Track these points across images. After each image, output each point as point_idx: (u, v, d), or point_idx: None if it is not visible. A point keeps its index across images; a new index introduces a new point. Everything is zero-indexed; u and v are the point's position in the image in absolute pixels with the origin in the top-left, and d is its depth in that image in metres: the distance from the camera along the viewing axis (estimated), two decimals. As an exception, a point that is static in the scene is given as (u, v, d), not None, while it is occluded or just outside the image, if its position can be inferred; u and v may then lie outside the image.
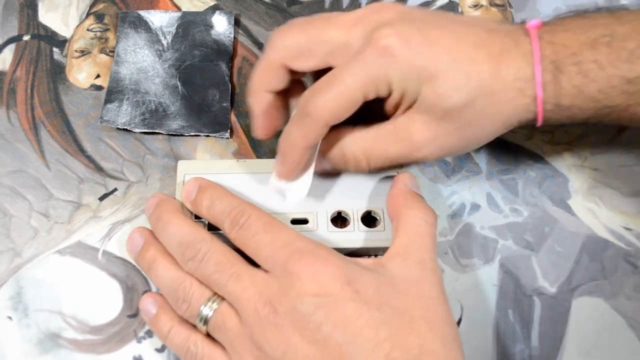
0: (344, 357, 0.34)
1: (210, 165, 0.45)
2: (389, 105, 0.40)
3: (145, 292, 0.43)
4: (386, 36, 0.38)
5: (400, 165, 0.44)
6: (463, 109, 0.38)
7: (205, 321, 0.38)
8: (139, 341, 0.42)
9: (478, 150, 0.49)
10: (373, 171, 0.43)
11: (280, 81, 0.41)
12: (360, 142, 0.41)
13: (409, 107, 0.39)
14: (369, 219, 0.44)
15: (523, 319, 0.43)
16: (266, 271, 0.37)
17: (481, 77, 0.38)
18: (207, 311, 0.38)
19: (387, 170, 0.44)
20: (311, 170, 0.42)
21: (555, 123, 0.41)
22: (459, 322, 0.43)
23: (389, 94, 0.39)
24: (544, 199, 0.47)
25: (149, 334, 0.42)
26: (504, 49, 0.39)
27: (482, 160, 0.49)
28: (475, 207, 0.47)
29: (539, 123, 0.40)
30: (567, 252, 0.45)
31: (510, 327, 0.43)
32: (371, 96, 0.39)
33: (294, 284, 0.35)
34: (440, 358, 0.34)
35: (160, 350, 0.42)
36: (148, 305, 0.40)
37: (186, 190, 0.42)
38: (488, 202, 0.47)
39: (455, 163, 0.48)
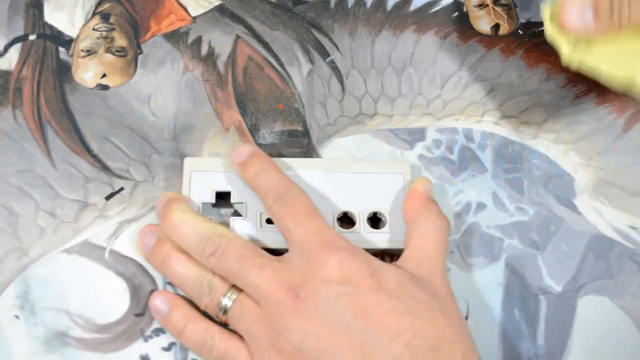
0: (365, 345, 0.34)
1: (217, 163, 0.45)
2: None
3: (152, 290, 0.43)
4: None
5: None
6: None
7: (225, 311, 0.39)
8: (145, 340, 0.42)
9: (483, 149, 0.49)
10: (633, 20, 0.41)
11: None
12: None
13: None
14: (374, 220, 0.44)
15: (529, 318, 0.43)
16: (286, 262, 0.38)
17: None
18: (226, 301, 0.39)
19: None
20: None
21: None
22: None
23: None
24: (550, 198, 0.47)
25: (156, 332, 0.42)
26: None
27: (487, 159, 0.49)
28: (481, 206, 0.47)
29: None
30: (573, 251, 0.45)
31: (516, 326, 0.43)
32: None
33: (318, 270, 0.36)
34: (459, 347, 0.35)
35: (167, 349, 0.42)
36: (159, 303, 0.41)
37: (238, 152, 0.44)
38: (494, 201, 0.47)
39: (461, 162, 0.48)
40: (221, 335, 0.39)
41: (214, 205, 0.45)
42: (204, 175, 0.45)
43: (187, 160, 0.45)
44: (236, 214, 0.44)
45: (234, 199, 0.44)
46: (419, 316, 0.35)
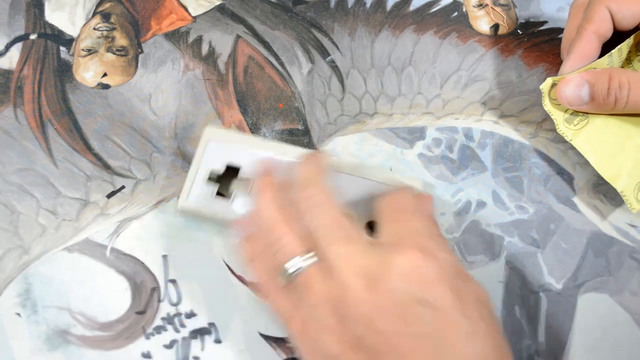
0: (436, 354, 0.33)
1: (235, 138, 0.46)
2: None
3: (153, 289, 0.43)
4: None
5: None
6: None
7: (289, 276, 0.36)
8: (147, 337, 0.42)
9: (483, 148, 0.49)
10: (629, 107, 0.44)
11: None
12: (630, 73, 0.43)
13: None
14: (372, 227, 0.44)
15: (529, 315, 0.43)
16: (375, 245, 0.36)
17: None
18: (298, 263, 0.36)
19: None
20: None
21: None
22: (465, 319, 0.43)
23: None
24: (550, 196, 0.47)
25: (157, 330, 0.42)
26: None
27: (487, 158, 0.49)
28: (481, 204, 0.47)
29: None
30: (573, 248, 0.45)
31: (517, 323, 0.43)
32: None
33: (405, 271, 0.34)
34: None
35: (169, 346, 0.42)
36: (244, 225, 0.40)
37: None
38: (494, 199, 0.47)
39: (461, 161, 0.49)
40: (280, 290, 0.37)
41: (219, 178, 0.45)
42: (219, 146, 0.45)
43: (207, 128, 0.46)
44: (220, 194, 0.45)
45: (242, 174, 0.45)
46: (485, 338, 0.34)
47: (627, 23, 0.45)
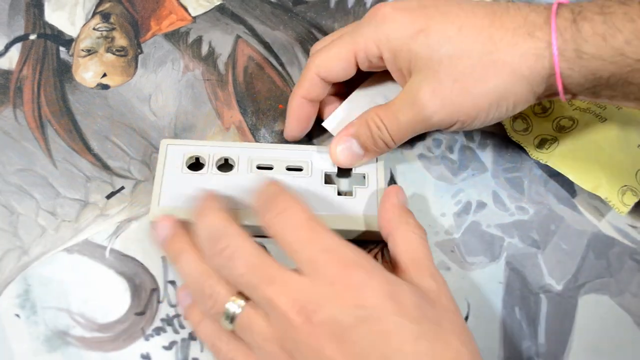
0: None
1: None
2: (395, 72, 0.42)
3: (152, 290, 0.43)
4: (383, 7, 0.41)
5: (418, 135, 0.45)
6: (458, 59, 0.38)
7: (232, 319, 0.36)
8: (146, 339, 0.42)
9: (483, 148, 0.49)
10: (395, 146, 0.44)
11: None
12: (380, 111, 0.42)
13: (410, 70, 0.41)
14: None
15: (529, 317, 0.43)
16: (300, 274, 0.35)
17: (477, 24, 0.38)
18: (233, 309, 0.36)
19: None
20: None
21: (576, 86, 0.38)
22: (465, 320, 0.43)
23: (381, 56, 0.41)
24: (550, 197, 0.47)
25: (157, 331, 0.42)
26: (510, 6, 0.39)
27: (487, 158, 0.49)
28: (482, 205, 0.47)
29: (557, 78, 0.37)
30: (573, 249, 0.45)
31: (517, 325, 0.43)
32: (361, 55, 0.42)
33: (335, 294, 0.34)
34: None
35: (168, 347, 0.42)
36: (185, 295, 0.40)
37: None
38: (494, 200, 0.47)
39: (461, 161, 0.48)
40: (229, 339, 0.37)
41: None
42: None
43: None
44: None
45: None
46: (435, 340, 0.34)
47: (345, 75, 0.44)
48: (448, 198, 0.47)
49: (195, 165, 0.46)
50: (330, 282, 0.34)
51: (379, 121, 0.43)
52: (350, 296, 0.34)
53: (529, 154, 0.47)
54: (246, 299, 0.36)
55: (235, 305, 0.36)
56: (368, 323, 0.33)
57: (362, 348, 0.33)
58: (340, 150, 0.44)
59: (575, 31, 0.36)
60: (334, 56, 0.43)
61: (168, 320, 0.42)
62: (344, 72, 0.44)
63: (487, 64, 0.38)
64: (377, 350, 0.33)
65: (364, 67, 0.44)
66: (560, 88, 0.38)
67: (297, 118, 0.46)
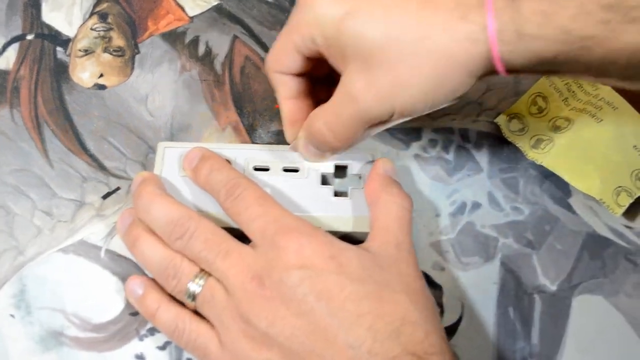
0: (328, 329, 0.34)
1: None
2: (331, 60, 0.39)
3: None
4: None
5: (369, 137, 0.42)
6: (385, 46, 0.35)
7: (194, 297, 0.38)
8: (141, 339, 0.42)
9: (479, 149, 0.49)
10: (345, 147, 0.41)
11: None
12: (321, 114, 0.40)
13: (344, 58, 0.37)
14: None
15: (523, 317, 0.43)
16: (253, 247, 0.38)
17: (407, 7, 0.35)
18: (195, 287, 0.38)
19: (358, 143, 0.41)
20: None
21: (520, 67, 0.35)
22: (459, 320, 0.43)
23: (318, 47, 0.38)
24: (545, 197, 0.47)
25: (151, 332, 0.42)
26: None
27: (483, 159, 0.49)
28: (476, 205, 0.47)
29: (497, 62, 0.34)
30: (568, 250, 0.45)
31: (511, 325, 0.43)
32: (299, 43, 0.39)
33: (280, 257, 0.36)
34: (421, 329, 0.35)
35: (162, 348, 0.42)
36: (134, 286, 0.41)
37: (189, 158, 0.43)
38: (489, 200, 0.47)
39: (457, 162, 0.48)
40: (192, 320, 0.39)
41: None
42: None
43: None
44: None
45: None
46: (379, 299, 0.35)
47: (300, 66, 0.41)
48: (443, 198, 0.47)
49: None
50: (277, 247, 0.37)
51: (324, 128, 0.40)
52: (294, 257, 0.36)
53: (525, 154, 0.47)
54: (209, 275, 0.39)
55: (197, 281, 0.39)
56: (310, 281, 0.35)
57: (307, 305, 0.35)
58: (302, 149, 0.43)
59: (514, 11, 0.33)
60: (279, 49, 0.41)
61: (162, 321, 0.42)
62: (295, 63, 0.40)
63: (420, 52, 0.35)
64: (320, 307, 0.35)
65: (309, 55, 0.40)
66: (501, 70, 0.35)
67: (291, 121, 0.44)
